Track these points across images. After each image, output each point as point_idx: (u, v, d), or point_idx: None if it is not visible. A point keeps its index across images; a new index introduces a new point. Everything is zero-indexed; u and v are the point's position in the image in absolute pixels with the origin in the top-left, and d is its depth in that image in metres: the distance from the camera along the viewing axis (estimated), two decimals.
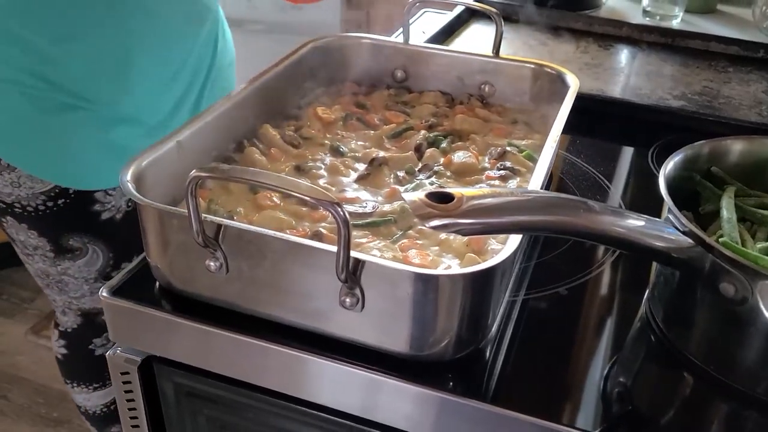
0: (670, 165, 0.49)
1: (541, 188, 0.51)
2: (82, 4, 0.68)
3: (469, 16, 1.10)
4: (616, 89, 0.86)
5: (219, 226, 0.44)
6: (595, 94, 0.82)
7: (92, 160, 0.74)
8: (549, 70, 0.69)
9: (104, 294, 0.50)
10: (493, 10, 0.70)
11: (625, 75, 0.92)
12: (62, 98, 0.70)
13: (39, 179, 0.74)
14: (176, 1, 0.75)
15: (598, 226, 0.37)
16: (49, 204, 0.75)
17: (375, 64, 0.76)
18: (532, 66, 0.70)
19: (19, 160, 0.73)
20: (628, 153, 0.77)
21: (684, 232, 0.43)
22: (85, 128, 0.72)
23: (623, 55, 0.99)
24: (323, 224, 0.53)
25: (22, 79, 0.69)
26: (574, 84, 0.66)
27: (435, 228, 0.35)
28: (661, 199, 0.46)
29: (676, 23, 1.12)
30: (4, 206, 0.77)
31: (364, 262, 0.41)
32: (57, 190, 0.75)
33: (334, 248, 0.41)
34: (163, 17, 0.73)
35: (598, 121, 0.81)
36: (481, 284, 0.42)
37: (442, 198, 0.35)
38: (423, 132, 0.67)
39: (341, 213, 0.39)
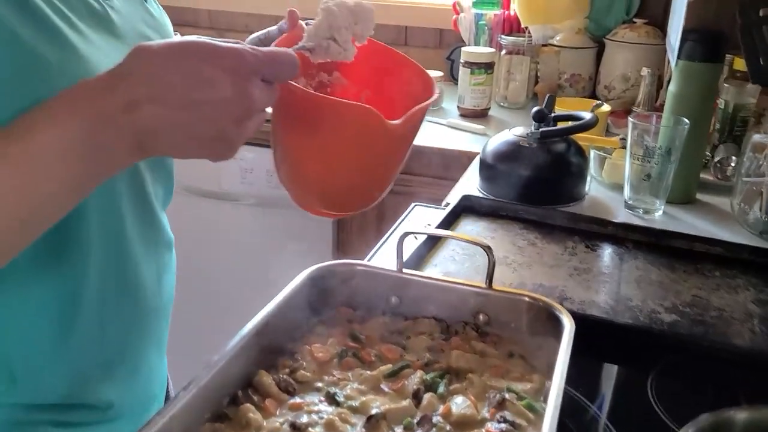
0: None
1: None
2: None
3: (460, 211, 1.13)
4: (608, 301, 0.87)
5: None
6: (589, 315, 0.83)
7: None
8: (542, 305, 0.70)
9: None
10: (485, 243, 0.72)
11: (615, 282, 0.93)
12: None
13: None
14: None
15: None
16: None
17: (369, 289, 0.77)
18: (526, 299, 0.71)
19: None
20: (625, 379, 0.76)
21: None
22: None
23: (610, 256, 1.01)
24: None
25: None
26: (569, 325, 0.66)
27: None
28: None
29: (658, 215, 1.16)
30: None
31: None
32: None
33: None
34: None
35: (592, 338, 0.80)
36: None
37: None
38: (420, 372, 0.66)
39: None
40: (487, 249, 0.72)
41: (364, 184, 0.67)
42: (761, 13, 1.01)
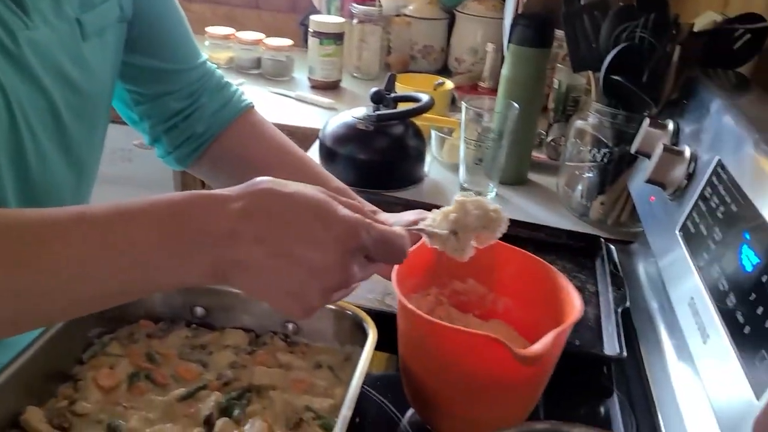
0: None
1: None
2: None
3: None
4: None
5: None
6: None
7: None
8: (350, 314, 0.68)
9: None
10: None
11: None
12: None
13: None
14: None
15: None
16: None
17: (171, 300, 0.71)
18: (333, 308, 0.69)
19: None
20: None
21: None
22: None
23: None
24: None
25: None
26: (372, 334, 0.65)
27: None
28: None
29: (491, 197, 1.18)
30: None
31: None
32: None
33: None
34: None
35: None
36: None
37: None
38: (216, 395, 0.62)
39: None
40: None
41: (495, 417, 0.60)
42: (583, 2, 1.03)
